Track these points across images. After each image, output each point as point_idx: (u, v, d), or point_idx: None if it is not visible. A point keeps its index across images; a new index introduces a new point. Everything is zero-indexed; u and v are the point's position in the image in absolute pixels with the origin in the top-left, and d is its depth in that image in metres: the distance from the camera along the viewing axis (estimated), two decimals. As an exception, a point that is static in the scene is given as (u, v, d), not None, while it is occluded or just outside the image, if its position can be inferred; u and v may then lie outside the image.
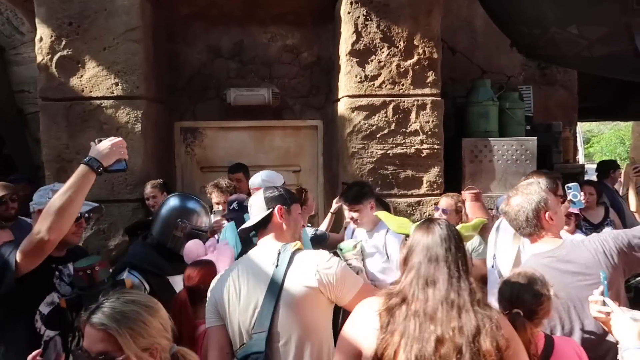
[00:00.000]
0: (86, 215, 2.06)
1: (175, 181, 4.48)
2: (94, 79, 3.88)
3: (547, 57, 5.38)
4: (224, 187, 3.55)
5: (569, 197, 3.41)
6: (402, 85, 4.01)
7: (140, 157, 3.87)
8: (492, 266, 2.81)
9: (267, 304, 1.76)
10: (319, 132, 4.52)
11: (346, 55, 3.99)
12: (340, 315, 2.44)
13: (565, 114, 7.13)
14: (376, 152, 4.02)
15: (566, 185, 3.72)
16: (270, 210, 1.94)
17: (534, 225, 2.09)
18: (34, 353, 1.46)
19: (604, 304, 1.70)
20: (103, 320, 1.27)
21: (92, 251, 3.70)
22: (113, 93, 3.88)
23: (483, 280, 2.82)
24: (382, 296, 1.53)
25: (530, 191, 2.14)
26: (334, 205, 3.59)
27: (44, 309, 1.94)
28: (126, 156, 1.93)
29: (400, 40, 3.99)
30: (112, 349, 1.25)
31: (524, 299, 1.74)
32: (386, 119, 4.00)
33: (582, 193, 3.53)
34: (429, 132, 4.04)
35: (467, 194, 3.64)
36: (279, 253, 1.84)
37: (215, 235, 2.95)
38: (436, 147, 4.05)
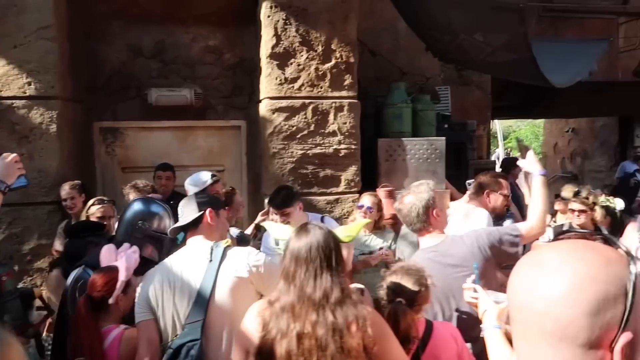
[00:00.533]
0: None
1: (95, 182, 4.42)
2: (4, 78, 3.75)
3: (457, 61, 5.77)
4: (141, 187, 3.58)
5: (469, 192, 3.74)
6: (321, 87, 4.18)
7: (55, 159, 3.80)
8: None
9: (202, 294, 1.92)
10: (243, 132, 4.62)
11: (266, 57, 4.10)
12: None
13: (480, 112, 7.64)
14: (296, 152, 4.17)
15: (467, 181, 4.06)
16: (202, 212, 2.12)
17: (423, 221, 2.34)
18: None
19: (475, 290, 1.96)
20: None
21: (4, 256, 3.61)
22: (25, 93, 3.77)
23: None
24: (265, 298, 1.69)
25: (420, 190, 2.39)
26: (259, 217, 3.70)
27: None
28: (24, 171, 1.95)
29: (318, 44, 4.15)
30: None
31: (405, 289, 1.96)
32: (306, 120, 4.16)
33: None
34: (347, 133, 4.24)
35: (381, 191, 3.90)
36: (212, 249, 2.01)
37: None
38: (353, 147, 4.27)
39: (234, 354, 1.72)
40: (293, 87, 4.14)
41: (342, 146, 4.25)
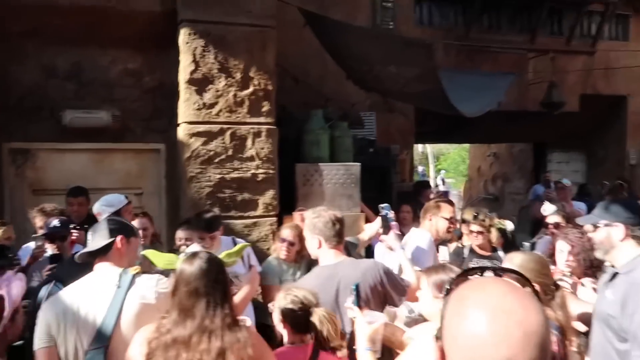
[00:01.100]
0: None
1: (3, 204, 4.26)
2: None
3: (376, 90, 6.08)
4: (48, 211, 3.51)
5: (381, 214, 3.93)
6: (239, 113, 4.29)
7: (-44, 181, 3.65)
8: None
9: (107, 321, 1.93)
10: (162, 155, 4.62)
11: (185, 83, 4.17)
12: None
13: (404, 138, 8.01)
14: (214, 177, 4.23)
15: (379, 205, 4.26)
16: (113, 239, 2.13)
17: (331, 235, 2.50)
18: None
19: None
20: None
21: None
22: None
23: None
24: (153, 325, 1.75)
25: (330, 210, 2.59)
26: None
27: None
28: None
29: (237, 72, 4.27)
30: None
31: (289, 313, 2.08)
32: (224, 145, 4.24)
33: (392, 212, 4.04)
34: (264, 158, 4.36)
35: (297, 215, 4.03)
36: (120, 276, 2.03)
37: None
38: (271, 171, 4.39)
39: None
40: (211, 112, 4.22)
41: (260, 171, 4.36)
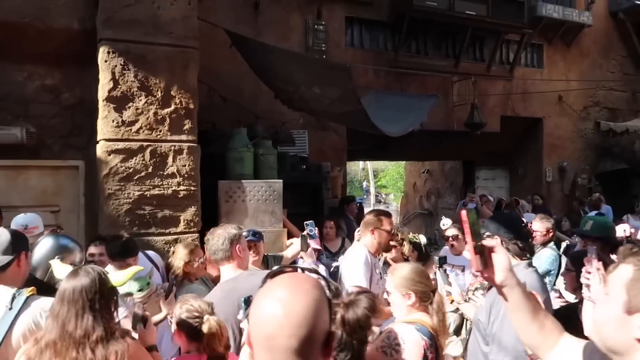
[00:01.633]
0: None
1: None
2: None
3: (302, 109, 6.28)
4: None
5: (307, 230, 4.07)
6: (160, 131, 4.33)
7: None
8: None
9: None
10: (81, 172, 4.56)
11: (103, 100, 4.17)
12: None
13: (336, 155, 8.25)
14: (133, 194, 4.23)
15: (304, 222, 4.38)
16: (16, 255, 2.07)
17: (225, 251, 2.58)
18: None
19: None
20: None
21: None
22: None
23: None
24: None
25: (231, 227, 2.66)
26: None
27: None
28: None
29: (157, 90, 4.32)
30: None
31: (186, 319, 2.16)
32: (143, 162, 4.26)
33: (316, 228, 4.17)
34: (186, 175, 4.41)
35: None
36: (14, 297, 1.97)
37: None
38: (193, 188, 4.44)
39: None
40: (131, 129, 4.23)
41: (182, 187, 4.40)
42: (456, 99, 9.11)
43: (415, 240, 4.41)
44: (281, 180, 4.86)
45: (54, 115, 4.52)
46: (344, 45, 8.23)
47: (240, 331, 2.38)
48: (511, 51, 9.60)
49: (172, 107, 4.37)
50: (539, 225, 4.24)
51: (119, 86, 4.19)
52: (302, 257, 3.86)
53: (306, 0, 7.79)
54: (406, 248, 4.34)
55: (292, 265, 3.69)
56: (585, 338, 1.41)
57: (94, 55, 4.46)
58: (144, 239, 4.24)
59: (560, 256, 4.31)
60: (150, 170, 4.28)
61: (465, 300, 2.97)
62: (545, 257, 4.17)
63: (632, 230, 4.42)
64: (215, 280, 3.21)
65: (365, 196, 20.35)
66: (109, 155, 4.16)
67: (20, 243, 2.14)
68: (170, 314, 2.22)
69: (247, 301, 2.25)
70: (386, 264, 4.36)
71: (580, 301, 2.52)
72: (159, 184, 4.32)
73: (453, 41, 9.09)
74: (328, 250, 5.18)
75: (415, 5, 7.86)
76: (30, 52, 4.35)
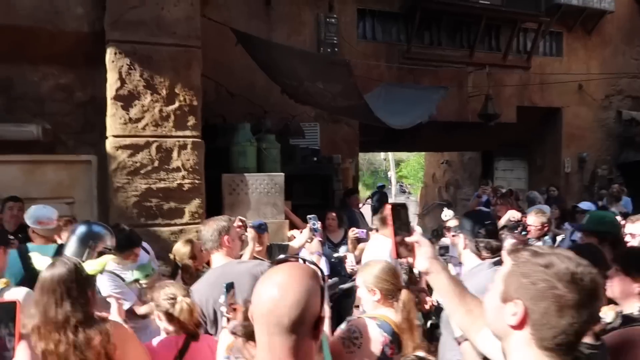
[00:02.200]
0: None
1: None
2: None
3: (308, 103, 6.40)
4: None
5: (310, 225, 4.21)
6: (165, 127, 4.54)
7: None
8: None
9: None
10: (93, 166, 4.82)
11: (111, 99, 4.40)
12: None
13: (348, 147, 8.34)
14: (140, 187, 4.47)
15: (307, 216, 4.50)
16: None
17: (215, 241, 2.75)
18: None
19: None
20: None
21: None
22: None
23: None
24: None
25: (222, 219, 2.82)
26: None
27: None
28: None
29: (162, 88, 4.52)
30: None
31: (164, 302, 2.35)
32: (150, 157, 4.49)
33: (319, 222, 4.28)
34: (190, 169, 4.62)
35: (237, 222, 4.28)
36: None
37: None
38: (197, 181, 4.65)
39: None
40: (137, 126, 4.46)
41: (186, 181, 4.61)
42: (471, 90, 9.04)
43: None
44: (283, 174, 5.02)
45: (68, 112, 4.78)
46: (356, 38, 8.28)
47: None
48: (528, 40, 9.43)
49: (177, 104, 4.57)
50: (533, 220, 4.28)
51: (126, 85, 4.41)
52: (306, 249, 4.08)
53: (317, -6, 7.87)
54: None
55: (294, 255, 3.85)
56: None
57: (103, 56, 4.70)
58: (150, 230, 4.48)
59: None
60: (156, 164, 4.51)
61: None
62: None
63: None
64: None
65: (389, 186, 20.33)
66: (117, 150, 4.40)
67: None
68: (151, 299, 2.41)
69: (229, 287, 2.43)
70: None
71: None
72: (165, 177, 4.54)
73: (467, 31, 8.99)
74: (330, 241, 5.33)
75: (427, -5, 7.83)
76: (44, 54, 4.61)
